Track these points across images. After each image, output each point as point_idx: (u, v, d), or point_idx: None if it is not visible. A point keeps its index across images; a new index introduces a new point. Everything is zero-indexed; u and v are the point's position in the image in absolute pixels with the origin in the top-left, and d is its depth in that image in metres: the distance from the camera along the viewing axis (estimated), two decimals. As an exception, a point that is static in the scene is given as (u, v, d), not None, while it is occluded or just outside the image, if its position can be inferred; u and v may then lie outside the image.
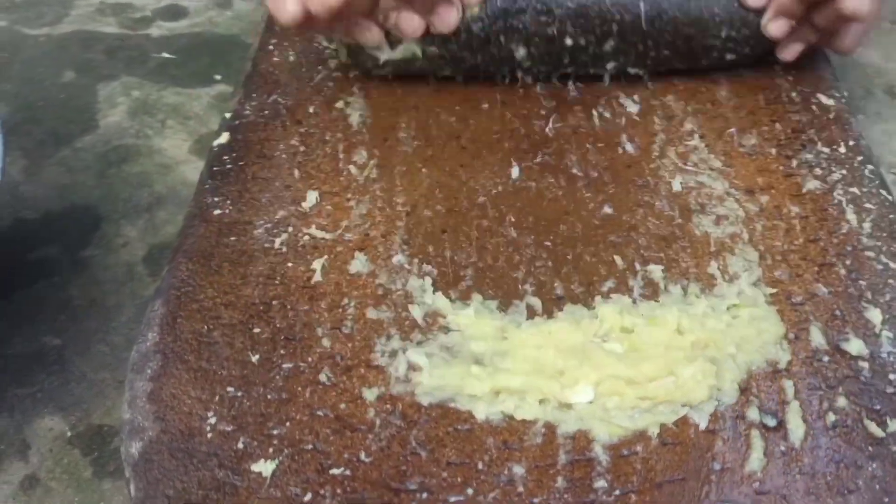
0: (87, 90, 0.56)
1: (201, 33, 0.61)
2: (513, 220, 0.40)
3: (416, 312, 0.35)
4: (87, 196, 0.49)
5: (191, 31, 0.61)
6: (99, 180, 0.50)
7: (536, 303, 0.36)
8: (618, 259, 0.38)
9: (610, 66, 0.46)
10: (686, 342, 0.34)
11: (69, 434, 0.39)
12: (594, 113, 0.45)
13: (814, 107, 0.46)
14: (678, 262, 0.38)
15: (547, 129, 0.44)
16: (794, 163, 0.43)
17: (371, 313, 0.36)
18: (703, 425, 0.32)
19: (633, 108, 0.45)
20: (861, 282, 0.37)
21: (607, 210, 0.40)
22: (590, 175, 0.42)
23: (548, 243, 0.39)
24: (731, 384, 0.33)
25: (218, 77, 0.57)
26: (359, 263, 0.38)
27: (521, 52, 0.44)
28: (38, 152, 0.52)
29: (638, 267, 0.38)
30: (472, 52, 0.44)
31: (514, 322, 0.35)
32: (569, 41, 0.44)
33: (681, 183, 0.42)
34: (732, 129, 0.45)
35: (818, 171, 0.42)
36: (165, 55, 0.59)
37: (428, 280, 0.37)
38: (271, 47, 0.48)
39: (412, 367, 0.34)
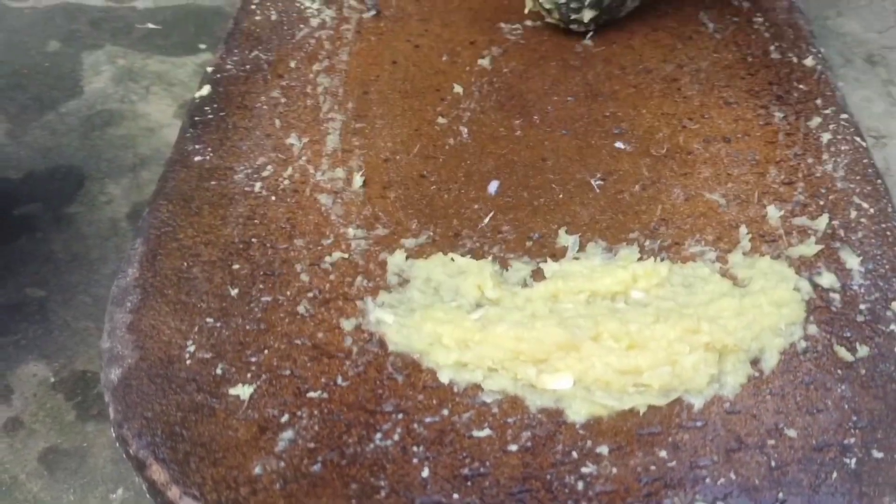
0: (71, 58, 0.56)
1: (186, 5, 0.62)
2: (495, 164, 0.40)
3: (392, 261, 0.36)
4: (72, 157, 0.50)
5: (175, 3, 0.62)
6: (83, 142, 0.50)
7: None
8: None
9: None
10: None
11: (52, 380, 0.39)
12: (580, 67, 0.46)
13: (791, 60, 0.47)
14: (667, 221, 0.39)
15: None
16: (772, 111, 0.44)
17: (344, 255, 0.36)
18: (697, 406, 0.31)
19: (618, 71, 0.46)
20: (834, 221, 0.38)
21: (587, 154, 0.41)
22: (574, 127, 0.43)
23: (529, 194, 0.39)
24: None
25: (202, 46, 0.58)
26: (337, 208, 0.38)
27: None
28: (23, 116, 0.52)
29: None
30: None
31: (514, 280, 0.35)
32: None
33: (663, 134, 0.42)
34: (711, 82, 0.45)
35: (792, 119, 0.43)
36: (150, 25, 0.59)
37: (406, 226, 0.37)
38: (254, 6, 0.49)
39: (380, 321, 0.34)
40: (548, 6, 0.47)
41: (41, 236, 0.45)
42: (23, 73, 0.55)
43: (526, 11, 0.49)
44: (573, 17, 0.47)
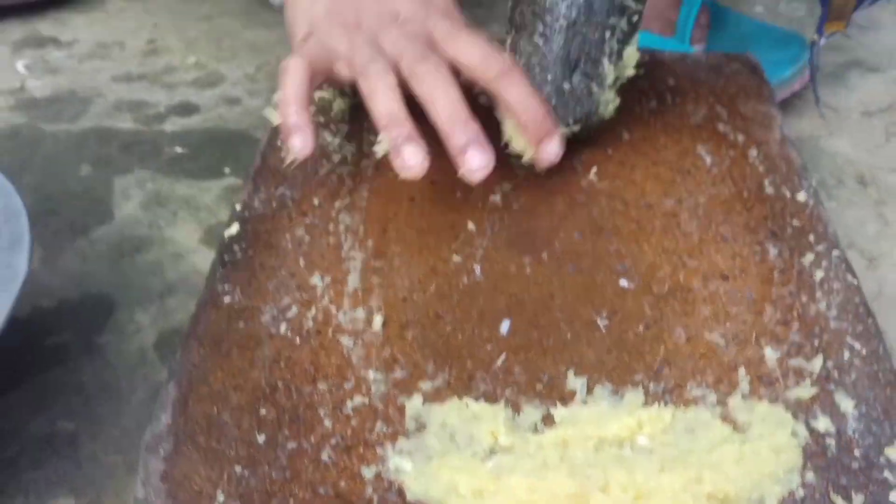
0: (103, 183, 0.60)
1: (212, 128, 0.65)
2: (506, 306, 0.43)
3: (410, 405, 0.38)
4: (102, 284, 0.52)
5: (202, 126, 0.65)
6: (113, 269, 0.53)
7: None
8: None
9: None
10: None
11: (81, 515, 0.41)
12: (585, 202, 0.49)
13: (785, 195, 0.50)
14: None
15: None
16: (767, 248, 0.46)
17: (365, 400, 0.38)
18: None
19: (621, 207, 0.49)
20: (829, 362, 0.40)
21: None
22: (581, 264, 0.45)
23: (534, 334, 0.42)
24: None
25: (227, 170, 0.61)
26: (358, 350, 0.40)
27: None
28: (56, 243, 0.55)
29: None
30: None
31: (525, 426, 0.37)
32: None
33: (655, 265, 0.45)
34: (708, 217, 0.48)
35: (787, 256, 0.46)
36: (178, 149, 0.63)
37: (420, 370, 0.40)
38: (279, 143, 0.52)
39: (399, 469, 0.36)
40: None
41: (72, 366, 0.47)
42: (57, 199, 0.58)
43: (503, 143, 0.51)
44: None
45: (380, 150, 0.45)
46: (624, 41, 0.50)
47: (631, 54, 0.51)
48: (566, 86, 0.49)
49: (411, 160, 0.44)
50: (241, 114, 0.66)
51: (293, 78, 0.46)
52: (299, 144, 0.45)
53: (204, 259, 0.54)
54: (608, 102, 0.51)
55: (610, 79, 0.50)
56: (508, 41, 0.50)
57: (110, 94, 0.68)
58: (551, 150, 0.47)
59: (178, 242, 0.55)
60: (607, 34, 0.49)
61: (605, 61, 0.50)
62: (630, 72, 0.52)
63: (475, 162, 0.45)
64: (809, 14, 0.85)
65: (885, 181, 0.65)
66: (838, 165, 0.66)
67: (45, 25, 0.75)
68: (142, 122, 0.65)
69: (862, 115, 0.72)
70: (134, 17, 0.78)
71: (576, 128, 0.50)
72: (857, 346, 0.41)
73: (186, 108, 0.67)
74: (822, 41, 0.63)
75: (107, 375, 0.47)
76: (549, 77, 0.49)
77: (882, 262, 0.58)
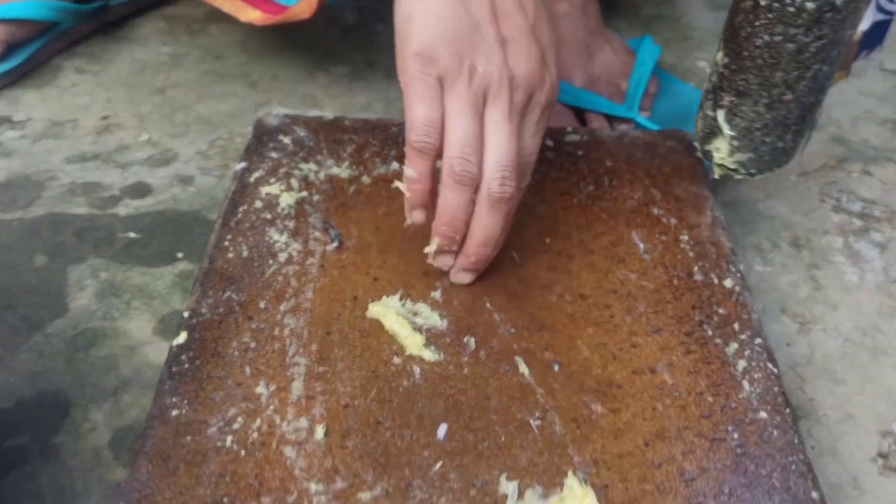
0: (57, 273, 0.61)
1: (164, 211, 0.67)
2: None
3: None
4: (58, 382, 0.54)
5: (155, 209, 0.67)
6: (68, 366, 0.54)
7: None
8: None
9: None
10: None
11: None
12: (523, 294, 0.51)
13: (713, 282, 0.52)
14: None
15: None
16: (694, 337, 0.49)
17: None
18: None
19: (556, 300, 0.51)
20: (750, 453, 0.43)
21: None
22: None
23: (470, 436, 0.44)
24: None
25: (180, 255, 0.62)
26: (301, 461, 0.42)
27: None
28: (13, 339, 0.56)
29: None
30: None
31: None
32: None
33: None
34: (640, 307, 0.50)
35: (712, 346, 0.48)
36: (131, 234, 0.64)
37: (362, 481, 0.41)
38: (227, 243, 0.54)
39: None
40: (732, 166, 0.53)
41: (29, 469, 0.49)
42: (12, 293, 0.59)
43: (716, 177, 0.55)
44: (753, 171, 0.53)
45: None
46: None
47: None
48: (780, 144, 0.52)
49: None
50: (194, 194, 0.68)
51: (421, 163, 0.48)
52: (420, 219, 0.50)
53: (157, 351, 0.55)
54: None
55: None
56: (726, 103, 0.51)
57: (64, 176, 0.69)
58: (464, 279, 0.53)
59: (132, 335, 0.56)
60: (821, 98, 0.51)
61: (811, 118, 0.52)
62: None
63: (445, 265, 0.52)
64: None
65: (819, 244, 0.68)
66: (774, 228, 0.69)
67: (-1, 103, 0.77)
68: (96, 205, 0.66)
69: (798, 175, 0.75)
70: (87, 91, 0.79)
71: (770, 173, 0.54)
72: (776, 434, 0.44)
73: (139, 190, 0.68)
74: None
75: (63, 478, 0.48)
76: (768, 139, 0.51)
77: (814, 326, 0.61)
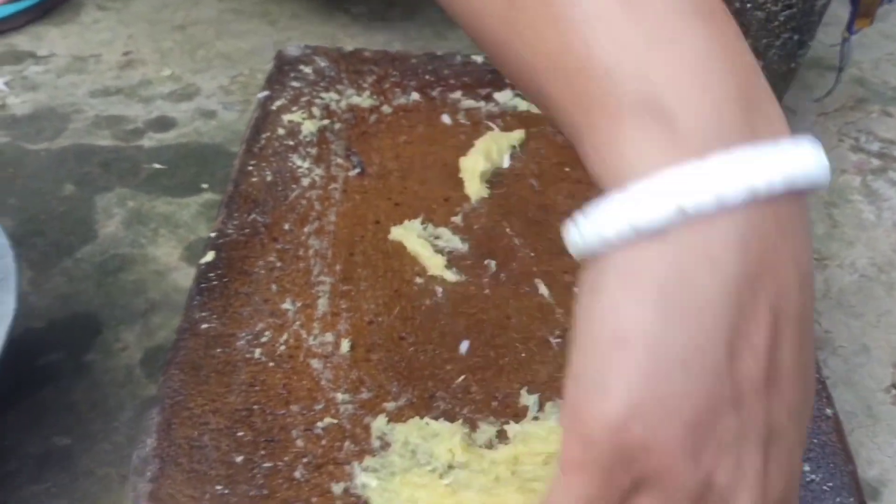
0: (85, 202, 0.62)
1: (188, 143, 0.68)
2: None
3: (375, 425, 0.41)
4: (88, 304, 0.55)
5: (178, 141, 0.68)
6: (98, 289, 0.56)
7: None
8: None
9: None
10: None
11: (78, 526, 0.44)
12: (541, 221, 0.52)
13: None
14: None
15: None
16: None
17: (334, 421, 0.41)
18: None
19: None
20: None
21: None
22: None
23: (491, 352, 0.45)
24: None
25: (204, 185, 0.64)
26: (328, 373, 0.44)
27: None
28: (43, 263, 0.58)
29: None
30: None
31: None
32: None
33: None
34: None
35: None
36: (156, 165, 0.65)
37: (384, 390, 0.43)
38: (251, 168, 0.55)
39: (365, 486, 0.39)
40: None
41: (64, 385, 0.50)
42: (41, 219, 0.61)
43: None
44: None
45: None
46: None
47: None
48: None
49: None
50: (217, 128, 0.68)
51: None
52: None
53: (184, 276, 0.56)
54: None
55: None
56: None
57: (88, 109, 0.70)
58: None
59: (160, 260, 0.58)
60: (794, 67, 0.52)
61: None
62: None
63: None
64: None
65: (836, 183, 0.68)
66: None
67: (21, 40, 0.77)
68: (120, 138, 0.67)
69: (818, 116, 0.75)
70: (108, 27, 0.79)
71: None
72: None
73: (163, 123, 0.69)
74: (853, 38, 0.66)
75: (95, 394, 0.50)
76: None
77: (830, 262, 0.62)
